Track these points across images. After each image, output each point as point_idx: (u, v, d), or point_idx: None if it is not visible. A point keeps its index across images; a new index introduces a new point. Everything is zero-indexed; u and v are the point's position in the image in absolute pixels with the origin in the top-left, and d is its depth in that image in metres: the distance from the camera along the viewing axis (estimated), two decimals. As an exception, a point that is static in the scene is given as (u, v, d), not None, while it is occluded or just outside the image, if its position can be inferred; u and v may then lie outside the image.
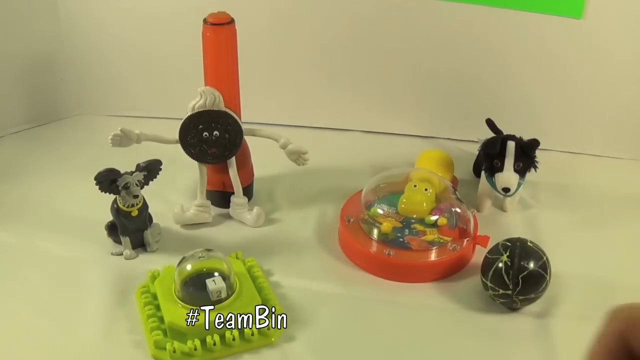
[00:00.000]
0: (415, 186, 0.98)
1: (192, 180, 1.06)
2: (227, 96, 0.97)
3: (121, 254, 0.95)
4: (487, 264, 0.85)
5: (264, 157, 1.06)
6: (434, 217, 0.95)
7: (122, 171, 0.90)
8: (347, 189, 1.07)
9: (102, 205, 0.94)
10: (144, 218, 0.95)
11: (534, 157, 1.03)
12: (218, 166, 1.02)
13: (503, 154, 1.01)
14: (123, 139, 0.96)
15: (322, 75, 1.28)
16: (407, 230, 0.94)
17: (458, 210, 0.97)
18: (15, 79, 1.26)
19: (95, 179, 0.88)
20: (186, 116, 0.96)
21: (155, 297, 0.84)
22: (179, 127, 0.97)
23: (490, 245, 0.90)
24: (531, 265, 0.82)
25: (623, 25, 1.14)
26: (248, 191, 1.07)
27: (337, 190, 1.10)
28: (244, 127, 0.99)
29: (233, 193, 1.03)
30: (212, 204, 1.04)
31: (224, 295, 0.81)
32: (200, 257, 0.83)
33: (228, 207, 1.04)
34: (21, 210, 1.05)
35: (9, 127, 1.27)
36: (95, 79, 1.32)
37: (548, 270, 0.83)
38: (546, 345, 0.81)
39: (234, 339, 0.78)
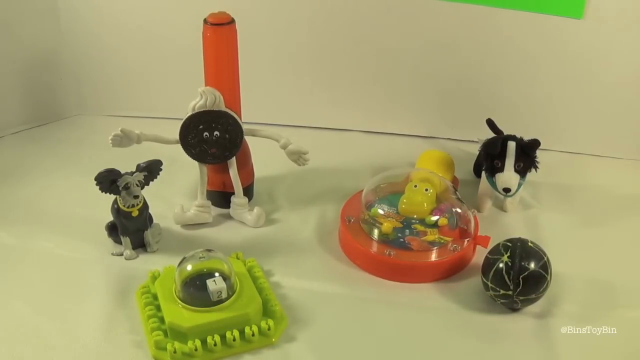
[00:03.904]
0: (415, 186, 0.98)
1: (193, 180, 1.06)
2: (227, 96, 0.97)
3: (121, 254, 0.95)
4: (488, 264, 0.85)
5: (264, 157, 1.06)
6: (434, 218, 0.95)
7: (122, 171, 0.90)
8: (348, 189, 1.07)
9: (102, 206, 0.94)
10: (145, 218, 0.95)
11: (535, 157, 1.03)
12: (218, 166, 1.02)
13: (503, 154, 1.01)
14: (123, 139, 0.96)
15: (322, 75, 1.28)
16: (407, 231, 0.94)
17: (458, 210, 0.97)
18: (15, 79, 1.26)
19: (96, 179, 0.88)
20: (186, 116, 0.96)
21: (155, 297, 0.84)
22: (179, 127, 0.97)
23: (490, 245, 0.90)
24: (532, 265, 0.82)
25: (623, 25, 1.14)
26: (248, 191, 1.07)
27: (338, 191, 1.10)
28: (244, 127, 0.99)
29: (233, 193, 1.03)
30: (213, 204, 1.04)
31: (224, 295, 0.81)
32: (200, 258, 0.83)
33: (228, 207, 1.04)
34: (21, 210, 1.05)
35: (9, 127, 1.27)
36: (96, 78, 1.32)
37: (549, 271, 0.83)
38: (546, 345, 0.81)
39: (234, 339, 0.78)
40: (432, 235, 0.93)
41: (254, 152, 1.07)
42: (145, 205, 0.94)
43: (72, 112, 1.35)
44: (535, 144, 1.02)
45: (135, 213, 0.92)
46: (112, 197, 0.92)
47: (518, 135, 1.04)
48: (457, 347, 0.81)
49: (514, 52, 1.20)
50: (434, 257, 0.92)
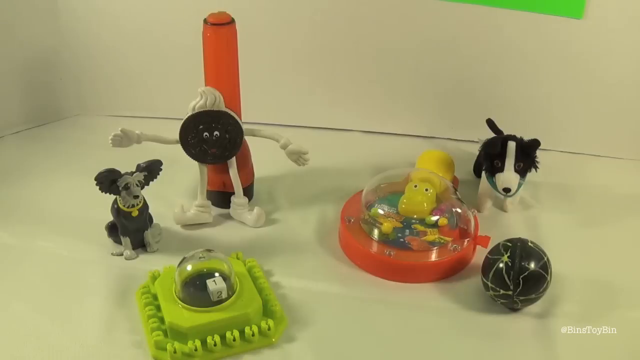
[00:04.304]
0: (415, 186, 0.98)
1: (193, 180, 1.06)
2: (227, 96, 0.97)
3: (121, 255, 0.95)
4: (488, 264, 0.85)
5: (264, 157, 1.06)
6: (434, 218, 0.95)
7: (122, 171, 0.90)
8: (348, 189, 1.07)
9: (102, 206, 0.94)
10: (145, 218, 0.95)
11: (535, 157, 1.03)
12: (218, 166, 1.02)
13: (503, 154, 1.01)
14: (123, 139, 0.96)
15: (322, 75, 1.28)
16: (407, 231, 0.94)
17: (459, 210, 0.97)
18: (15, 79, 1.26)
19: (96, 179, 0.88)
20: (186, 116, 0.96)
21: (155, 297, 0.84)
22: (179, 127, 0.97)
23: (490, 245, 0.90)
24: (532, 265, 0.82)
25: (623, 25, 1.14)
26: (248, 191, 1.07)
27: (338, 191, 1.10)
28: (244, 127, 0.99)
29: (233, 193, 1.03)
30: (213, 204, 1.04)
31: (224, 295, 0.81)
32: (200, 258, 0.83)
33: (228, 207, 1.04)
34: (21, 210, 1.05)
35: (9, 127, 1.27)
36: (95, 78, 1.32)
37: (549, 271, 0.83)
38: (546, 345, 0.81)
39: (234, 340, 0.78)
40: (432, 235, 0.93)
41: (254, 152, 1.07)
42: (145, 205, 0.94)
43: (72, 112, 1.35)
44: (535, 144, 1.02)
45: (135, 213, 0.92)
46: (112, 197, 0.92)
47: (518, 135, 1.04)
48: (457, 347, 0.81)
49: (514, 52, 1.20)
50: (434, 257, 0.92)
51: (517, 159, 1.01)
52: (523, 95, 1.24)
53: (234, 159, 1.00)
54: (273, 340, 0.80)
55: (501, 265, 0.83)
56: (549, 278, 0.83)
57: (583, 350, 0.81)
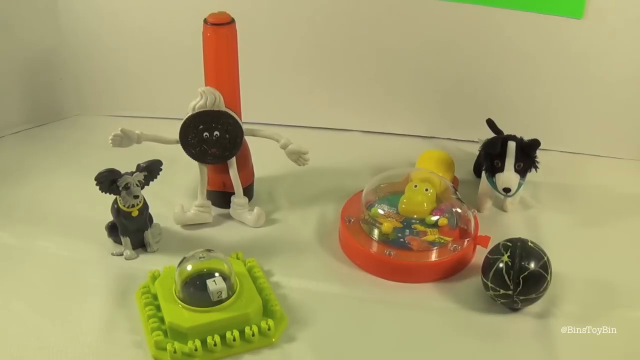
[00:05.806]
0: (415, 186, 0.98)
1: (193, 180, 1.06)
2: (227, 96, 0.97)
3: (121, 255, 0.95)
4: (488, 264, 0.85)
5: (264, 157, 1.06)
6: (434, 218, 0.95)
7: (122, 171, 0.90)
8: (348, 189, 1.07)
9: (102, 206, 0.94)
10: (145, 218, 0.95)
11: (535, 157, 1.03)
12: (218, 166, 1.02)
13: (504, 154, 1.01)
14: (123, 139, 0.96)
15: (322, 75, 1.28)
16: (407, 231, 0.94)
17: (459, 210, 0.97)
18: (15, 79, 1.26)
19: (96, 179, 0.88)
20: (186, 116, 0.96)
21: (155, 297, 0.84)
22: (179, 127, 0.97)
23: (490, 245, 0.90)
24: (532, 265, 0.82)
25: (623, 25, 1.14)
26: (248, 191, 1.07)
27: (338, 191, 1.10)
28: (244, 127, 0.99)
29: (233, 193, 1.03)
30: (213, 204, 1.04)
31: (224, 295, 0.81)
32: (200, 258, 0.83)
33: (228, 207, 1.04)
34: (21, 210, 1.05)
35: (9, 127, 1.27)
36: (95, 78, 1.32)
37: (549, 271, 0.83)
38: (546, 345, 0.81)
39: (234, 340, 0.78)
40: (432, 235, 0.93)
41: (254, 152, 1.07)
42: (145, 205, 0.94)
43: (72, 112, 1.35)
44: (535, 144, 1.02)
45: (135, 213, 0.92)
46: (112, 197, 0.92)
47: (518, 135, 1.04)
48: (457, 347, 0.81)
49: (514, 52, 1.20)
50: (434, 257, 0.92)
51: (517, 159, 1.01)
52: (523, 95, 1.24)
53: (234, 159, 1.00)
54: (273, 340, 0.80)
55: (501, 265, 0.83)
56: (549, 278, 0.83)
57: (583, 350, 0.81)
